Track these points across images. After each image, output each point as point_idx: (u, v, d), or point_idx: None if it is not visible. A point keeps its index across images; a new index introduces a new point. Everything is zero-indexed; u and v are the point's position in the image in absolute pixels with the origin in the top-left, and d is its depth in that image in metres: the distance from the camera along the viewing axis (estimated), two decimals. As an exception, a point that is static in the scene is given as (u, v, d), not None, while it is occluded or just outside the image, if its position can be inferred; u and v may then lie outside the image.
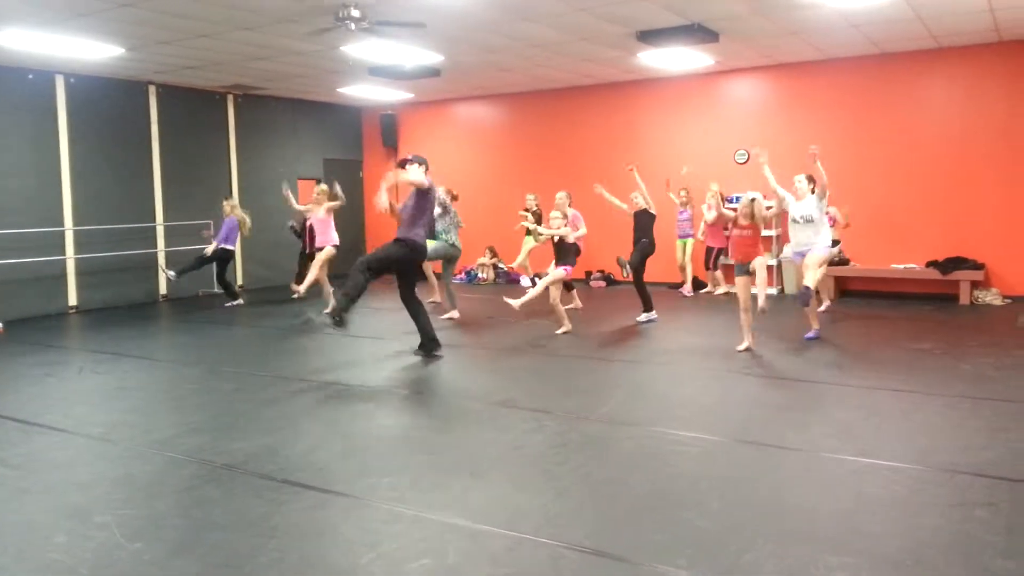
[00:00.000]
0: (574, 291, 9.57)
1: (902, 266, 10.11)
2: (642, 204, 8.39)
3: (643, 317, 8.50)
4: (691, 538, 3.26)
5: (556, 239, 7.95)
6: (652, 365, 6.62)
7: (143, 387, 6.23)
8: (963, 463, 4.09)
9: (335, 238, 9.88)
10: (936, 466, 4.05)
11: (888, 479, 3.90)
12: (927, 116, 10.05)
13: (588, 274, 12.37)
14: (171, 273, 10.39)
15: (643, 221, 8.43)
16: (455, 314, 9.04)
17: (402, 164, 7.01)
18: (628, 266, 8.33)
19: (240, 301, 10.75)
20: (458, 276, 13.33)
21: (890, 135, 10.26)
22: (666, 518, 3.49)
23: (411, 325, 7.04)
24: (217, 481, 4.04)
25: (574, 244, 8.02)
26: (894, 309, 9.39)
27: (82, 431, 4.99)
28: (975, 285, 9.68)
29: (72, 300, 10.48)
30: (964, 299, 9.63)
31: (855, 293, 10.51)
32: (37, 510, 3.71)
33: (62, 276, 10.37)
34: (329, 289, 9.72)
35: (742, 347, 6.97)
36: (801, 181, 7.42)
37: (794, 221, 7.40)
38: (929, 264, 9.92)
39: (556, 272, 7.90)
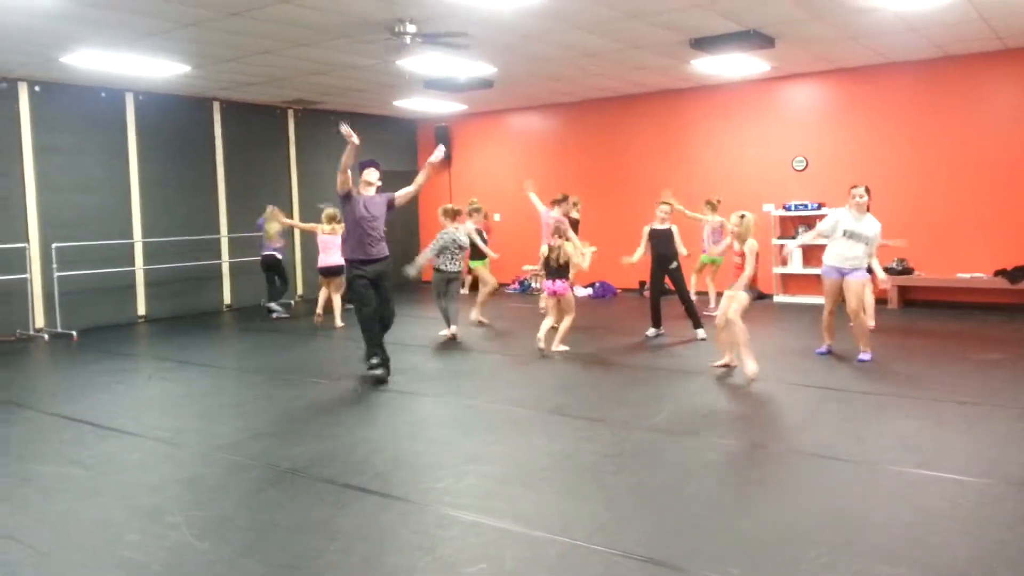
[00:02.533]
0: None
1: (968, 275, 9.81)
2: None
3: (701, 333, 8.28)
4: (744, 547, 3.25)
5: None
6: (705, 376, 6.57)
7: (209, 393, 6.45)
8: (1031, 477, 3.98)
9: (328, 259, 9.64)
10: (1003, 479, 3.95)
11: (952, 492, 3.82)
12: (993, 119, 9.75)
13: (642, 284, 12.32)
14: (278, 310, 10.68)
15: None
16: (452, 330, 8.56)
17: (374, 165, 6.81)
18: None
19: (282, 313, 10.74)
20: (512, 286, 13.44)
21: (954, 140, 9.99)
22: (719, 527, 3.48)
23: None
24: (280, 484, 4.17)
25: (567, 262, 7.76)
26: (960, 320, 9.12)
27: (151, 435, 5.19)
28: (1046, 294, 9.36)
29: (141, 310, 10.88)
30: (1034, 308, 9.32)
31: (920, 303, 10.24)
32: (110, 510, 3.89)
33: (131, 287, 10.77)
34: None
35: (719, 363, 6.71)
36: (863, 196, 6.92)
37: (849, 236, 6.92)
38: (997, 273, 9.60)
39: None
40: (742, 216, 6.52)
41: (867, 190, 6.98)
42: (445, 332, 8.61)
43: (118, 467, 4.57)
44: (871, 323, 8.74)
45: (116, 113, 10.56)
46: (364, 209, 6.55)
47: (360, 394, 6.23)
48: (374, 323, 6.54)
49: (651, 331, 8.47)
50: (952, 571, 3.00)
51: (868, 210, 7.00)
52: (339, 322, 9.68)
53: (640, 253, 8.19)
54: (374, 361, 6.50)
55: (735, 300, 6.43)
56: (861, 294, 6.94)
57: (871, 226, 6.90)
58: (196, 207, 11.48)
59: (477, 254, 9.74)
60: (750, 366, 6.24)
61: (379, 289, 6.59)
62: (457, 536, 3.43)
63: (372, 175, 6.69)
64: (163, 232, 11.00)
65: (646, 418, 5.26)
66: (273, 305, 10.77)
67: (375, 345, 6.54)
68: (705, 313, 9.65)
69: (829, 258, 7.04)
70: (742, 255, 6.51)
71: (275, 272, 10.70)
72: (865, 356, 6.95)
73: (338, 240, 8.86)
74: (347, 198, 6.57)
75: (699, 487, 4.01)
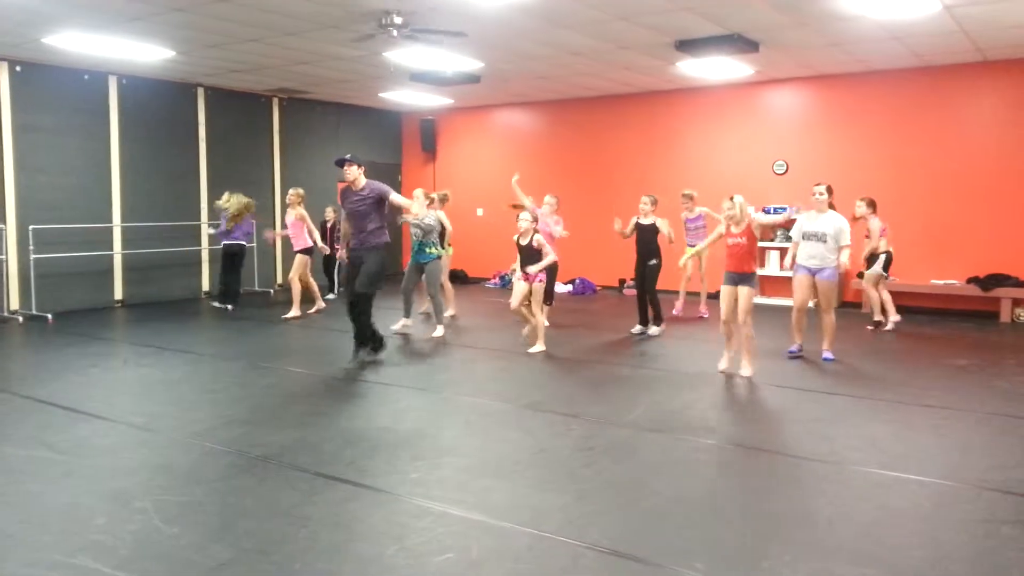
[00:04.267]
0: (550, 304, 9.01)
1: (942, 282, 9.96)
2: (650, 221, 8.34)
3: (654, 330, 8.42)
4: (710, 543, 3.31)
5: (524, 244, 7.57)
6: (681, 374, 6.63)
7: (184, 380, 6.42)
8: (992, 480, 4.06)
9: (307, 241, 9.91)
10: (964, 482, 4.03)
11: (914, 493, 3.89)
12: (971, 130, 9.90)
13: (622, 282, 12.39)
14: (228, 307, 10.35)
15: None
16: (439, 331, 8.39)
17: (340, 163, 6.79)
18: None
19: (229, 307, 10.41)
20: (492, 281, 13.47)
21: (932, 149, 10.13)
22: (686, 523, 3.53)
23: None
24: (252, 471, 4.18)
25: (540, 250, 7.60)
26: (933, 325, 9.26)
27: (125, 420, 5.18)
28: (1016, 303, 9.50)
29: (118, 294, 10.80)
30: (1005, 317, 9.46)
31: (895, 308, 10.36)
32: (80, 493, 3.88)
33: (109, 271, 10.70)
34: (316, 291, 10.01)
35: (723, 366, 6.56)
36: (823, 194, 7.04)
37: (806, 238, 7.06)
38: (970, 280, 9.77)
39: (536, 287, 7.50)
40: (732, 199, 6.46)
41: (828, 189, 7.12)
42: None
43: (89, 451, 4.56)
44: (893, 318, 8.90)
45: (99, 96, 10.46)
46: (347, 201, 6.99)
47: (336, 383, 6.24)
48: (349, 312, 6.96)
49: (637, 328, 8.53)
50: (910, 570, 3.06)
51: (832, 207, 7.14)
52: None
53: (627, 231, 8.39)
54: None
55: (745, 296, 6.38)
56: (830, 294, 7.07)
57: (831, 223, 7.02)
58: (177, 193, 11.41)
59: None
60: (747, 368, 6.43)
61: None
62: (426, 526, 3.46)
63: (346, 174, 6.89)
64: (143, 217, 10.92)
65: (621, 414, 5.31)
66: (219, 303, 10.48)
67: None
68: (674, 313, 9.78)
69: (799, 259, 7.20)
70: (747, 234, 6.37)
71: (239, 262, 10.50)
72: (828, 355, 7.10)
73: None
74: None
75: (668, 483, 4.06)
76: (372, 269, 6.77)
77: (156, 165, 11.12)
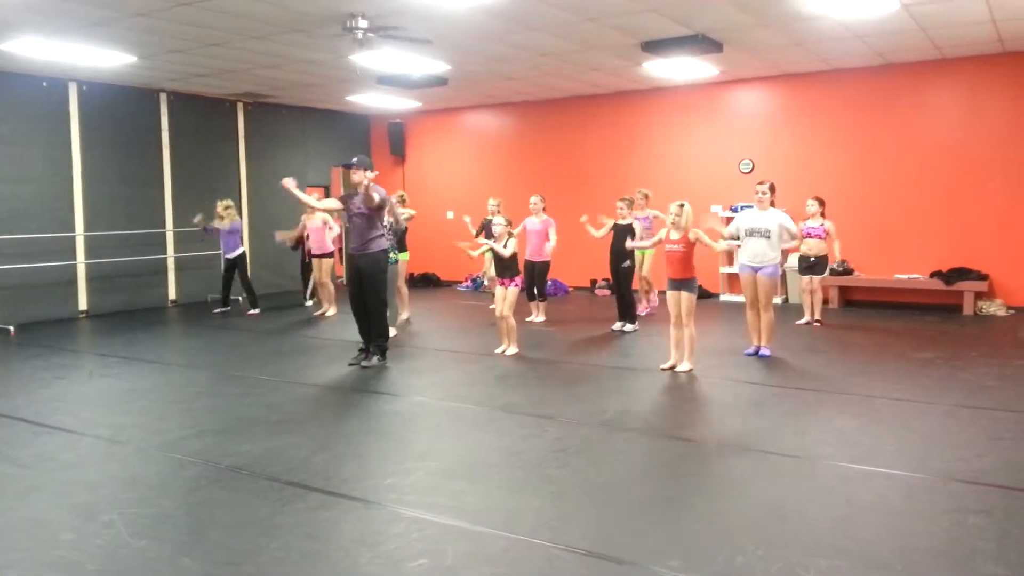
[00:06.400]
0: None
1: (906, 276, 10.13)
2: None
3: (628, 327, 8.60)
4: (684, 541, 3.32)
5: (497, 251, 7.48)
6: (653, 373, 6.67)
7: (152, 390, 6.32)
8: (958, 471, 4.13)
9: (329, 246, 10.34)
10: (931, 474, 4.10)
11: (882, 486, 3.95)
12: (931, 126, 10.09)
13: (594, 282, 12.44)
14: (255, 311, 10.49)
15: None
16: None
17: (347, 167, 6.77)
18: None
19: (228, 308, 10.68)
20: (464, 283, 13.44)
21: (894, 145, 10.31)
22: (661, 521, 3.55)
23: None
24: (223, 482, 4.12)
25: (515, 256, 7.50)
26: (897, 319, 9.41)
27: (91, 432, 5.08)
28: (979, 296, 9.70)
29: (83, 304, 10.61)
30: (968, 310, 9.65)
31: (859, 303, 10.54)
32: (45, 508, 3.80)
33: (73, 281, 10.50)
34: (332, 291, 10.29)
35: (666, 365, 6.68)
36: (766, 192, 7.16)
37: (749, 234, 7.15)
38: (933, 275, 9.94)
39: (512, 291, 7.43)
40: (681, 205, 6.58)
41: (771, 187, 7.23)
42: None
43: (55, 465, 4.46)
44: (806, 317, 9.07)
45: (59, 103, 10.27)
46: (352, 205, 6.90)
47: (307, 390, 6.19)
48: (357, 316, 6.98)
49: (617, 324, 8.65)
50: (880, 562, 3.10)
51: (773, 205, 7.24)
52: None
53: (601, 233, 8.52)
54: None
55: (685, 301, 6.55)
56: (770, 291, 7.14)
57: (773, 220, 7.10)
58: (141, 200, 11.23)
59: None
60: (687, 364, 6.61)
61: (361, 284, 6.87)
62: (400, 532, 3.44)
63: (353, 176, 6.83)
64: (106, 226, 10.74)
65: (594, 415, 5.32)
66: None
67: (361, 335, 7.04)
68: (648, 311, 9.87)
69: (742, 257, 7.28)
70: (684, 242, 6.52)
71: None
72: (766, 351, 7.16)
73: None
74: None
75: (643, 482, 4.08)
76: (377, 281, 6.83)
77: (119, 172, 10.94)
